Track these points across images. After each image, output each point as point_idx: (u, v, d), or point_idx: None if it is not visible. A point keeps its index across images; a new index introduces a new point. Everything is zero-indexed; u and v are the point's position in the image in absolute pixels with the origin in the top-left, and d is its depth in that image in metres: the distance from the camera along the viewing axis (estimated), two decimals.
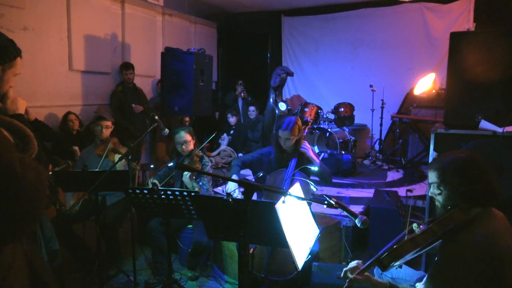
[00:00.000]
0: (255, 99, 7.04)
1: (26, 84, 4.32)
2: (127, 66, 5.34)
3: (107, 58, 5.48)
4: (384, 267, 1.65)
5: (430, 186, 1.74)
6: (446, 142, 2.80)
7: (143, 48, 6.05)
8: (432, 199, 1.79)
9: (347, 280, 1.71)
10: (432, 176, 1.71)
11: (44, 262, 1.38)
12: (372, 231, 3.36)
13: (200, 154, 3.47)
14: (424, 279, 1.84)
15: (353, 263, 1.87)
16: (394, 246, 1.65)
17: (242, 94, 6.95)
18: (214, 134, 3.54)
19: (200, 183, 3.33)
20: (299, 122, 3.10)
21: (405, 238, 1.69)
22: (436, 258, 1.67)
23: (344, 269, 1.85)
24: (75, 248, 3.30)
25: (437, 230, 1.59)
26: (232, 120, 6.50)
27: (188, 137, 3.41)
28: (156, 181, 3.26)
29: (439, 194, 1.69)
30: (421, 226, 1.69)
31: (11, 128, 1.31)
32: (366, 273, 1.75)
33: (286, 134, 3.01)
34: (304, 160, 3.04)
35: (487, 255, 1.47)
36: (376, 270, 2.11)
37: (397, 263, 1.66)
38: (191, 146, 3.43)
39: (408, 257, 1.65)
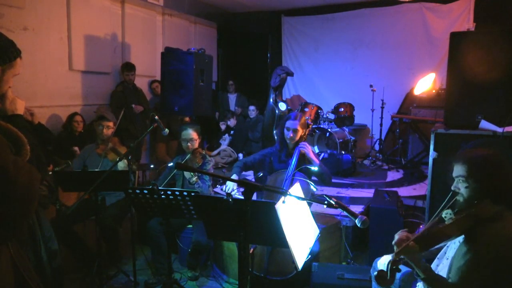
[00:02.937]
0: (255, 99, 7.05)
1: (26, 84, 4.32)
2: (129, 67, 5.34)
3: (107, 58, 5.48)
4: (424, 247, 1.63)
5: (455, 180, 1.74)
6: (446, 142, 2.80)
7: (143, 48, 6.05)
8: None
9: (400, 248, 1.65)
10: (460, 170, 1.71)
11: (30, 266, 1.37)
12: (372, 231, 3.35)
13: (203, 152, 3.49)
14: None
15: (401, 232, 1.85)
16: (435, 229, 1.64)
17: (230, 88, 7.11)
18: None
19: (200, 177, 3.33)
20: (305, 118, 3.24)
21: (439, 225, 1.68)
22: (443, 260, 1.66)
23: (399, 234, 1.82)
24: (75, 248, 3.30)
25: (478, 214, 1.60)
26: (231, 122, 6.52)
27: (194, 135, 3.43)
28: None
29: (466, 187, 1.69)
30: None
31: (6, 133, 1.32)
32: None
33: (295, 124, 3.11)
34: (304, 161, 3.06)
35: None
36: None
37: (437, 246, 1.65)
38: (196, 145, 3.44)
39: (444, 243, 1.65)
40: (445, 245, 1.80)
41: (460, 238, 1.68)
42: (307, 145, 3.06)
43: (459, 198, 1.72)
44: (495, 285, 1.53)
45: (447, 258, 1.75)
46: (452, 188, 1.75)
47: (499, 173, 1.65)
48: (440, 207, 1.72)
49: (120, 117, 3.54)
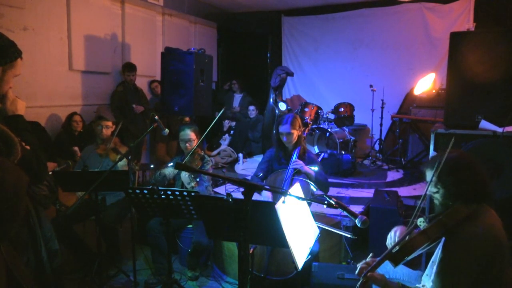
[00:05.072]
0: (255, 99, 7.05)
1: (26, 84, 4.32)
2: (130, 68, 5.34)
3: (107, 58, 5.48)
4: (396, 262, 1.65)
5: (429, 185, 1.76)
6: (446, 142, 2.80)
7: (143, 48, 6.05)
8: (431, 198, 1.80)
9: (362, 276, 1.69)
10: (429, 176, 1.76)
11: (23, 267, 1.37)
12: (372, 231, 3.35)
13: (202, 153, 3.48)
14: (423, 281, 1.85)
15: (367, 259, 1.87)
16: (405, 240, 1.66)
17: (234, 87, 7.06)
18: (213, 122, 3.30)
19: (198, 179, 3.33)
20: (299, 118, 3.16)
21: (413, 233, 1.69)
22: (437, 256, 1.67)
23: (360, 265, 1.83)
24: (75, 248, 3.30)
25: (447, 222, 1.62)
26: (230, 122, 6.53)
27: (192, 135, 3.41)
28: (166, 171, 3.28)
29: (436, 192, 1.73)
30: (427, 221, 1.71)
31: None
32: (381, 273, 1.75)
33: (287, 128, 3.05)
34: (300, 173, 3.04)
35: (488, 245, 1.54)
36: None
37: (410, 257, 1.66)
38: (194, 145, 3.42)
39: (419, 251, 1.67)
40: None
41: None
42: (299, 161, 3.01)
43: (436, 202, 1.76)
44: (482, 283, 1.54)
45: None
46: (428, 192, 1.77)
47: (466, 176, 1.66)
48: (414, 214, 1.74)
49: (129, 118, 3.48)
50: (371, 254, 1.92)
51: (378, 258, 1.71)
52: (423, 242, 1.63)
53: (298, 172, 2.98)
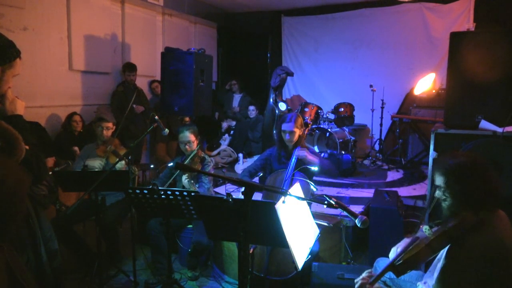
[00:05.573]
0: (255, 99, 7.04)
1: (26, 84, 4.32)
2: (131, 68, 5.34)
3: (107, 58, 5.48)
4: (399, 274, 1.64)
5: (437, 189, 1.73)
6: (446, 142, 2.80)
7: (143, 48, 6.05)
8: (432, 199, 1.79)
9: None
10: (439, 180, 1.71)
11: (25, 269, 1.37)
12: (372, 231, 3.35)
13: (202, 155, 3.48)
14: (424, 278, 1.85)
15: (364, 275, 1.87)
16: (409, 251, 1.64)
17: (234, 88, 7.03)
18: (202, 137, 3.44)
19: (197, 185, 3.34)
20: (301, 117, 3.20)
21: (417, 242, 1.68)
22: (441, 261, 1.67)
23: (360, 280, 1.83)
24: (75, 248, 3.30)
25: (452, 233, 1.59)
26: (230, 122, 6.53)
27: (192, 137, 3.41)
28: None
29: (444, 200, 1.70)
30: (433, 229, 1.68)
31: None
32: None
33: (290, 126, 3.08)
34: (304, 163, 3.06)
35: (494, 255, 1.51)
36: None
37: (414, 269, 1.66)
38: (194, 146, 3.42)
39: (422, 263, 1.66)
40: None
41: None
42: (305, 151, 3.03)
43: (444, 205, 1.73)
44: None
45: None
46: (436, 195, 1.75)
47: (477, 181, 1.61)
48: (420, 218, 1.73)
49: (124, 116, 3.50)
50: (368, 271, 1.92)
51: (381, 270, 1.70)
52: (428, 255, 1.62)
53: (301, 162, 2.99)
